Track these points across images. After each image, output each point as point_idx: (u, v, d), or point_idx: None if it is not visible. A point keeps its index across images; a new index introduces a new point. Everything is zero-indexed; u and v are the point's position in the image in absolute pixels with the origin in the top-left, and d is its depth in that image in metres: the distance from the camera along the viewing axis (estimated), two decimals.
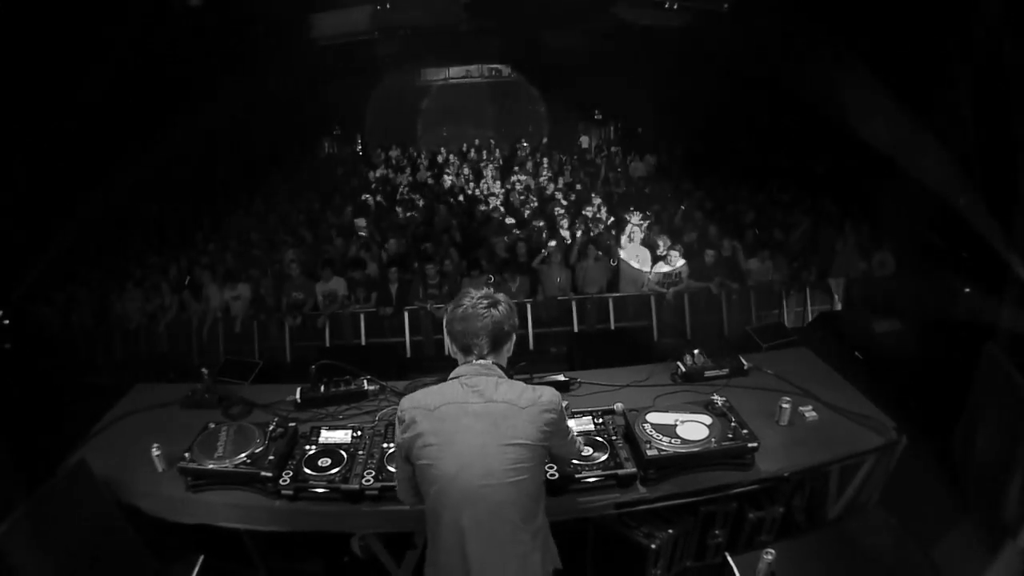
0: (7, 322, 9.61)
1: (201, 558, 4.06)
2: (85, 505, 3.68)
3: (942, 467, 5.01)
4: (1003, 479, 4.32)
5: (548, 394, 3.18)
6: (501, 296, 3.33)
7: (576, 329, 11.02)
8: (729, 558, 4.00)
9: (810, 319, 11.15)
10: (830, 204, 13.24)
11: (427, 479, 3.09)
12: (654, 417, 4.13)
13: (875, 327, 8.42)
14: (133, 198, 13.18)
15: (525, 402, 3.10)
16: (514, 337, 3.35)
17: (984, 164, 7.08)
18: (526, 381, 3.30)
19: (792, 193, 14.29)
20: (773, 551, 3.77)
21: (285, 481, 3.80)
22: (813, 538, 4.26)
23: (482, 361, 3.22)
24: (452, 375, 3.26)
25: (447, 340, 3.37)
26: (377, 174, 18.42)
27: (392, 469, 3.83)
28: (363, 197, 16.05)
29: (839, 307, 11.24)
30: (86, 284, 11.87)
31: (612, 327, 11.08)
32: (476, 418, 3.07)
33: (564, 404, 3.28)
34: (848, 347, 6.74)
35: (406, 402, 3.18)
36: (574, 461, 3.79)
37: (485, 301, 3.24)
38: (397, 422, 3.20)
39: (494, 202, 15.22)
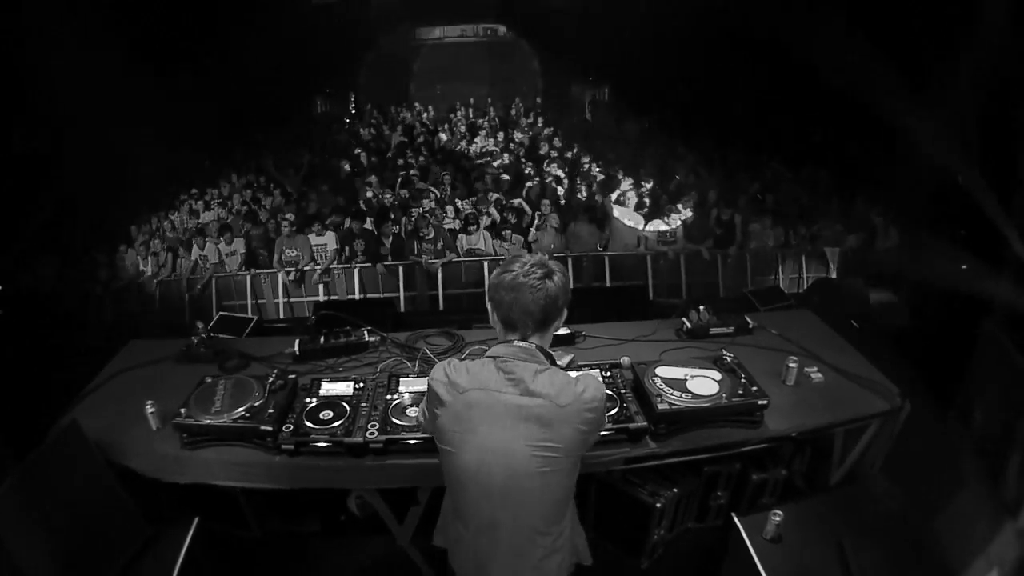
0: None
1: (196, 520, 3.94)
2: (77, 468, 3.55)
3: (943, 438, 4.97)
4: (1002, 457, 4.29)
5: (592, 389, 2.77)
6: (556, 265, 2.86)
7: (571, 286, 10.88)
8: (736, 518, 3.93)
9: (806, 286, 11.08)
10: (826, 175, 13.22)
11: (446, 463, 2.89)
12: (663, 371, 4.02)
13: (871, 297, 8.39)
14: (124, 157, 13.09)
15: (565, 399, 2.71)
16: (565, 314, 2.94)
17: (986, 139, 7.02)
18: None
19: (790, 160, 14.22)
20: (781, 513, 3.72)
21: (286, 435, 3.67)
22: (817, 502, 4.18)
23: (523, 344, 2.82)
24: (489, 353, 2.87)
25: (489, 307, 2.92)
26: (371, 131, 18.39)
27: (398, 422, 3.74)
28: (356, 151, 16.04)
29: (834, 275, 11.21)
30: (77, 246, 11.69)
31: (608, 285, 11.09)
32: (507, 411, 2.73)
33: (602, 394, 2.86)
34: (844, 314, 6.67)
35: (438, 371, 2.86)
36: None
37: (539, 271, 2.77)
38: (427, 391, 2.92)
39: (488, 160, 15.22)
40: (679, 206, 11.36)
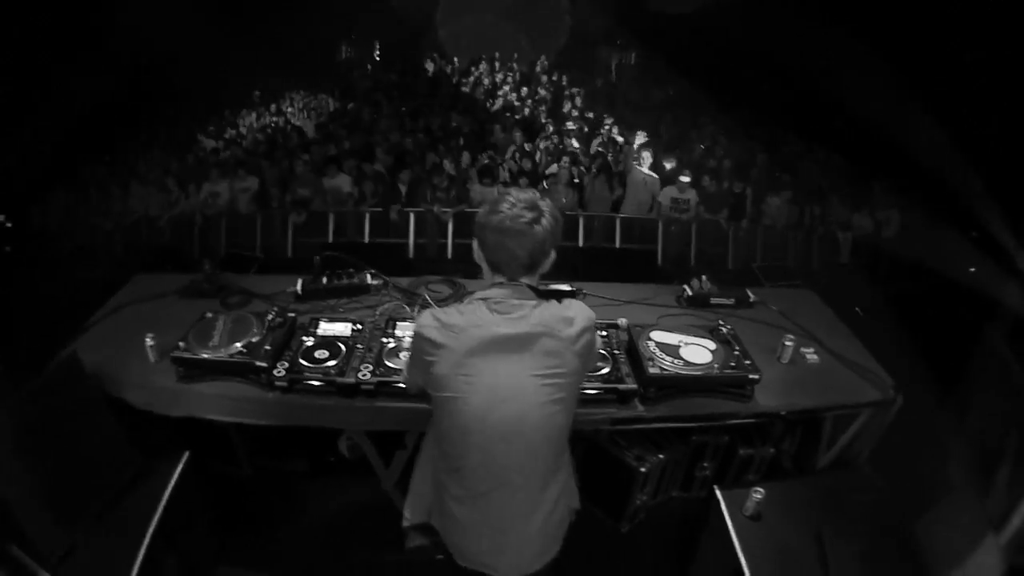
0: (9, 225, 9.49)
1: (186, 454, 3.95)
2: (72, 400, 3.54)
3: (933, 437, 4.98)
4: (991, 468, 4.29)
5: (584, 313, 2.79)
6: (546, 204, 2.72)
7: (581, 244, 11.08)
8: (717, 491, 3.92)
9: (814, 267, 11.16)
10: (840, 158, 13.17)
11: (447, 413, 2.75)
12: (658, 335, 4.03)
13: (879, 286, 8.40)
14: (138, 93, 13.07)
15: (562, 325, 2.71)
16: (553, 255, 2.80)
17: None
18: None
19: (807, 141, 14.17)
20: (762, 490, 3.73)
21: (280, 372, 3.69)
22: (800, 484, 4.18)
23: (514, 283, 2.74)
24: (478, 295, 2.79)
25: (475, 245, 2.82)
26: (393, 78, 18.38)
27: (390, 364, 3.75)
28: (375, 97, 16.05)
29: (845, 260, 11.23)
30: (88, 181, 11.60)
31: (617, 246, 11.14)
32: (508, 346, 2.67)
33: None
34: (849, 300, 6.67)
35: (426, 318, 2.76)
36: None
37: (529, 214, 2.63)
38: (412, 343, 2.83)
39: (509, 114, 15.22)
40: (686, 179, 11.39)
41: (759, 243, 11.47)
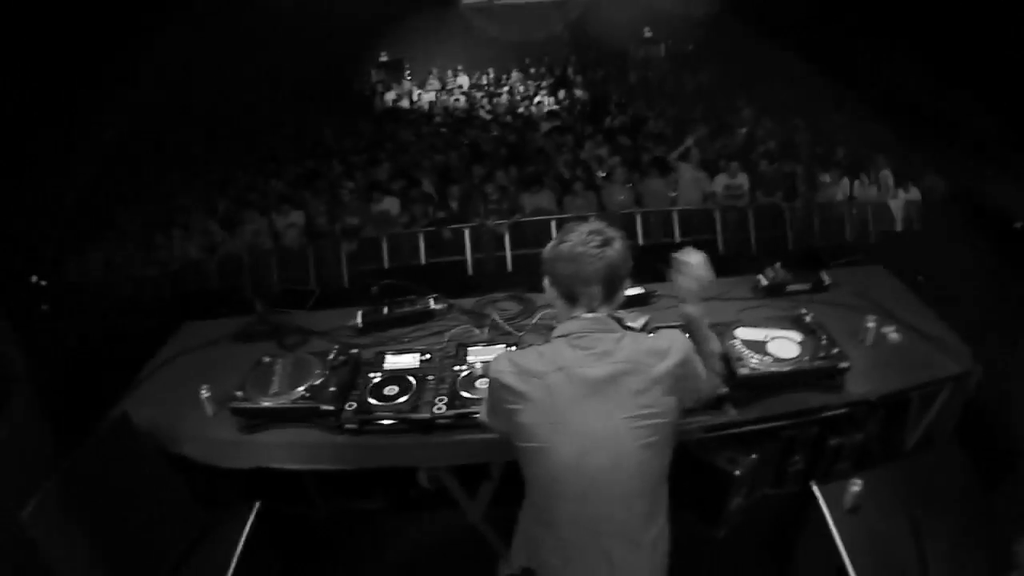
0: (43, 283, 9.38)
1: (257, 504, 3.86)
2: (125, 462, 3.43)
3: (1010, 404, 4.82)
4: None
5: (679, 344, 2.64)
6: (614, 231, 2.64)
7: (641, 243, 10.91)
8: (815, 488, 3.81)
9: (872, 240, 10.99)
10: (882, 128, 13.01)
11: (535, 463, 2.59)
12: (743, 332, 3.88)
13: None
14: (169, 134, 13.11)
15: (653, 359, 2.54)
16: (628, 283, 2.74)
17: None
18: None
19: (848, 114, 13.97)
20: (860, 482, 3.59)
21: (348, 413, 3.56)
22: (892, 470, 4.03)
23: (592, 315, 2.62)
24: (557, 333, 2.67)
25: (546, 283, 2.73)
26: (430, 96, 18.51)
27: (466, 395, 3.59)
28: (412, 117, 16.14)
29: (899, 228, 11.08)
30: (126, 229, 11.64)
31: (677, 241, 10.89)
32: (596, 387, 2.50)
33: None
34: (911, 269, 6.50)
35: (501, 363, 2.64)
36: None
37: (597, 238, 2.56)
38: (489, 389, 2.71)
39: (548, 120, 15.30)
40: (735, 164, 11.31)
41: (816, 221, 11.28)
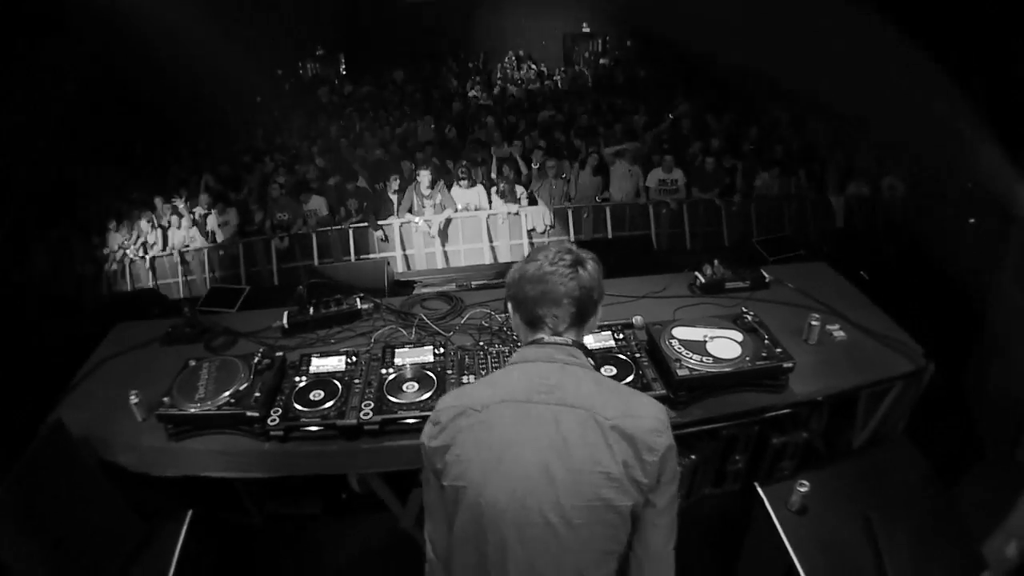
0: None
1: (190, 512, 3.71)
2: (63, 471, 3.29)
3: (961, 400, 4.81)
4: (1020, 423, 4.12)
5: (651, 410, 2.19)
6: (587, 253, 2.35)
7: (572, 238, 10.95)
8: (759, 489, 3.70)
9: (813, 236, 10.97)
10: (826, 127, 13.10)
11: (460, 504, 2.18)
12: (681, 332, 3.77)
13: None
14: (104, 134, 12.92)
15: (612, 412, 2.12)
16: (600, 310, 2.42)
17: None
18: None
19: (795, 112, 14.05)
20: (807, 483, 3.50)
21: (274, 420, 3.40)
22: (841, 469, 3.96)
23: (557, 339, 2.30)
24: (513, 359, 2.35)
25: (509, 307, 2.44)
26: (364, 90, 18.41)
27: (394, 399, 3.46)
28: (348, 111, 16.06)
29: (840, 224, 11.13)
30: (62, 230, 11.44)
31: (610, 236, 11.06)
32: (540, 426, 2.12)
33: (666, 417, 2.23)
34: (854, 266, 6.49)
35: (447, 399, 2.29)
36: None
37: (568, 257, 2.28)
38: (429, 423, 2.28)
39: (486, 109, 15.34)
40: (670, 159, 11.31)
41: (753, 217, 11.33)
